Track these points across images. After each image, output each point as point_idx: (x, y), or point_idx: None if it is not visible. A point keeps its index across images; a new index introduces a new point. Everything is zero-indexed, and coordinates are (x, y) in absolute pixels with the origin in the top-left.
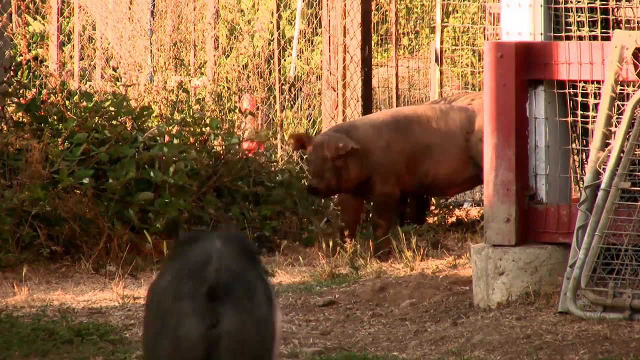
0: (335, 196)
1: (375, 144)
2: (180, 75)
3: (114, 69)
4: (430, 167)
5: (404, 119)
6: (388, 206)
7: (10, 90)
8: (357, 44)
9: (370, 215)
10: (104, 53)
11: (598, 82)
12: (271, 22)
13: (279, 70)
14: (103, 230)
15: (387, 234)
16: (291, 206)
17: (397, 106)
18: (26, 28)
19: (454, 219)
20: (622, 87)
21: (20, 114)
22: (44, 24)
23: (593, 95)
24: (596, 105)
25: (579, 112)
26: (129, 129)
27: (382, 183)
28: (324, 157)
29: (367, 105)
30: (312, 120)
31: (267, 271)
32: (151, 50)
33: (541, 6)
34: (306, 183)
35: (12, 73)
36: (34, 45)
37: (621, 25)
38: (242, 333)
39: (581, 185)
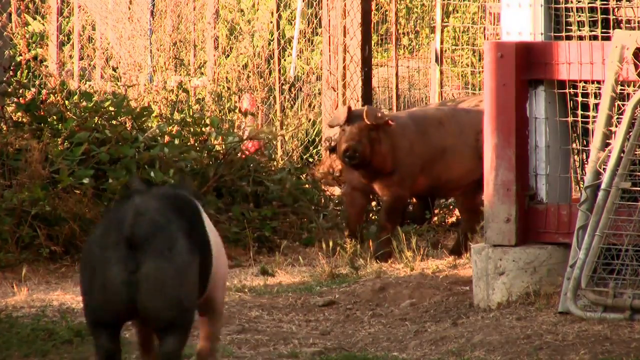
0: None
1: (401, 142)
2: (180, 75)
3: (114, 69)
4: (442, 169)
5: (422, 121)
6: (398, 209)
7: (10, 90)
8: (357, 44)
9: (378, 215)
10: (103, 53)
11: (598, 82)
12: (271, 22)
13: (279, 70)
14: None
15: (392, 236)
16: (291, 205)
17: (397, 106)
18: (26, 28)
19: (454, 219)
20: (623, 87)
21: (20, 113)
22: (43, 24)
23: (593, 95)
24: (596, 105)
25: (579, 112)
26: (129, 129)
27: (399, 184)
28: (362, 125)
29: (367, 104)
30: (312, 120)
31: (201, 225)
32: (151, 50)
33: (541, 6)
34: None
35: (11, 73)
36: (34, 45)
37: (621, 25)
38: (160, 278)
39: (581, 185)
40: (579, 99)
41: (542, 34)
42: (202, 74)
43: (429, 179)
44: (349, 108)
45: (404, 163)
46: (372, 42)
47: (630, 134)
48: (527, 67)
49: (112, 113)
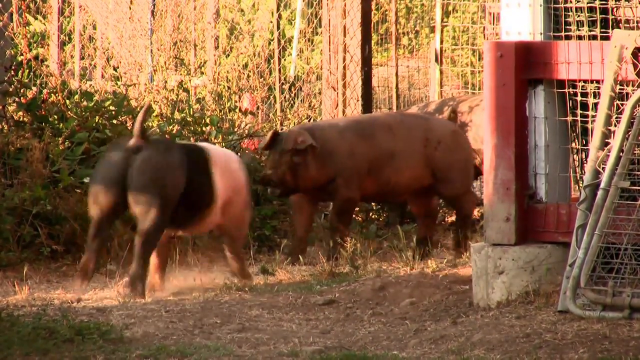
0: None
1: (339, 147)
2: (181, 74)
3: (115, 69)
4: (392, 173)
5: (368, 125)
6: (349, 211)
7: (11, 89)
8: (357, 44)
9: (329, 218)
10: (104, 52)
11: (597, 81)
12: (271, 22)
13: (279, 69)
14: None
15: (344, 238)
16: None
17: (397, 106)
18: (27, 28)
19: (453, 218)
20: (622, 87)
21: (21, 113)
22: (44, 24)
23: (592, 95)
24: (596, 105)
25: (579, 111)
26: (129, 128)
27: (346, 187)
28: (283, 150)
29: (367, 104)
30: (312, 120)
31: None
32: (151, 50)
33: (541, 6)
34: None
35: (12, 72)
36: (35, 44)
37: (620, 24)
38: (153, 161)
39: (581, 185)
40: (578, 98)
41: (541, 33)
42: (202, 73)
43: (377, 182)
44: (275, 133)
45: (345, 166)
46: (372, 42)
47: (629, 133)
48: (527, 66)
49: (113, 112)
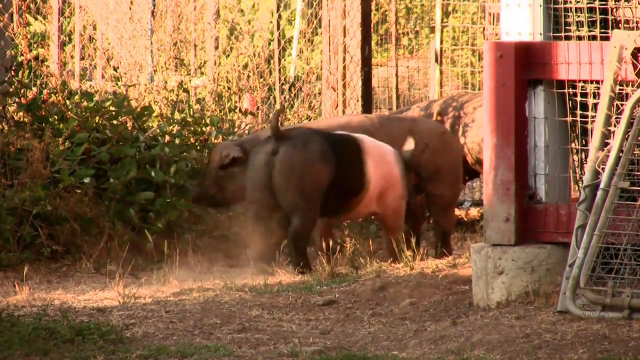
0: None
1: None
2: (181, 75)
3: (115, 69)
4: None
5: (345, 129)
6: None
7: (11, 90)
8: (357, 44)
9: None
10: (104, 53)
11: (597, 81)
12: (271, 22)
13: (279, 70)
14: (104, 229)
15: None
16: None
17: (397, 106)
18: (27, 28)
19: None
20: (621, 87)
21: (21, 113)
22: (44, 24)
23: (592, 95)
24: (595, 105)
25: (578, 111)
26: (129, 128)
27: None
28: (211, 166)
29: (367, 105)
30: (312, 119)
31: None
32: (152, 50)
33: (540, 6)
34: None
35: (13, 73)
36: (35, 45)
37: (620, 25)
38: (290, 161)
39: (580, 185)
40: (578, 98)
41: (541, 34)
42: (202, 73)
43: None
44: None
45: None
46: (372, 42)
47: (629, 133)
48: (527, 67)
49: (113, 113)
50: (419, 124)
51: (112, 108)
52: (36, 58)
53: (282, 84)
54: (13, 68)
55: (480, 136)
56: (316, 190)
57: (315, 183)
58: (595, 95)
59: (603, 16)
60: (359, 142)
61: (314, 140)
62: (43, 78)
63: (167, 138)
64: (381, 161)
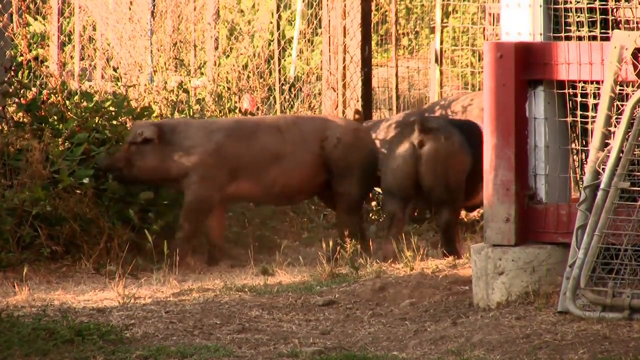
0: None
1: (200, 145)
2: (181, 75)
3: (115, 69)
4: (278, 176)
5: (250, 127)
6: (199, 210)
7: (10, 90)
8: (357, 44)
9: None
10: (104, 53)
11: (597, 82)
12: (271, 22)
13: (279, 70)
14: (103, 230)
15: (189, 239)
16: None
17: (397, 106)
18: (27, 28)
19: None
20: (622, 87)
21: (20, 114)
22: (44, 24)
23: (592, 96)
24: (596, 106)
25: (579, 112)
26: (129, 129)
27: (200, 184)
28: (125, 142)
29: (367, 105)
30: None
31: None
32: (151, 51)
33: (541, 6)
34: None
35: (12, 73)
36: (35, 45)
37: (620, 25)
38: (437, 155)
39: (580, 185)
40: (578, 99)
41: (541, 34)
42: (202, 74)
43: (259, 185)
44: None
45: (204, 164)
46: (372, 43)
47: (629, 133)
48: (527, 67)
49: (113, 113)
50: (332, 121)
51: (111, 108)
52: (36, 58)
53: (282, 84)
54: (13, 68)
55: None
56: (462, 180)
57: (461, 172)
58: (596, 95)
59: (603, 16)
60: (479, 127)
61: (453, 132)
62: (43, 78)
63: None
64: None
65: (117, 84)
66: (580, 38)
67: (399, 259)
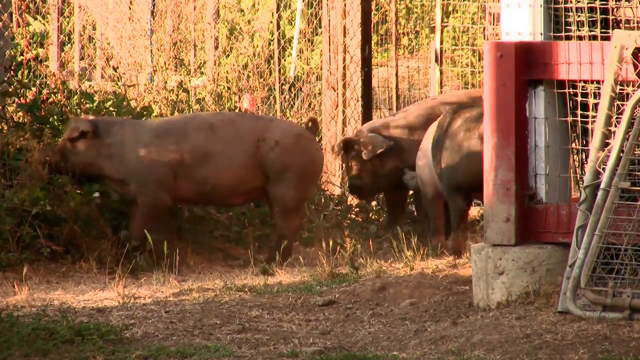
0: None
1: (132, 152)
2: (181, 75)
3: (114, 69)
4: (209, 174)
5: (180, 125)
6: (156, 216)
7: (10, 90)
8: (357, 44)
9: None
10: (104, 53)
11: (598, 82)
12: (271, 22)
13: (279, 70)
14: (103, 229)
15: (136, 240)
16: None
17: (397, 106)
18: (27, 28)
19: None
20: (622, 87)
21: (20, 113)
22: (44, 24)
23: (593, 95)
24: (596, 105)
25: (579, 112)
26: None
27: (143, 192)
28: (63, 135)
29: (367, 105)
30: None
31: None
32: (151, 50)
33: (541, 6)
34: None
35: (12, 73)
36: (35, 45)
37: (621, 25)
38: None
39: (581, 185)
40: (579, 98)
41: (541, 34)
42: (202, 73)
43: (192, 184)
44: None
45: (136, 169)
46: (372, 42)
47: (630, 133)
48: (527, 67)
49: (113, 113)
50: (275, 124)
51: (111, 108)
52: (36, 58)
53: (282, 84)
54: (12, 68)
55: None
56: None
57: None
58: (596, 95)
59: (604, 16)
60: None
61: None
62: (43, 78)
63: None
64: None
65: (117, 84)
66: (580, 38)
67: (463, 254)
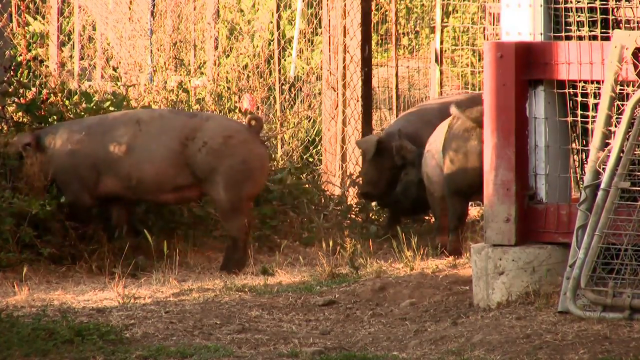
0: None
1: (58, 150)
2: (180, 75)
3: (114, 69)
4: (131, 168)
5: (108, 122)
6: (78, 214)
7: (10, 90)
8: (357, 44)
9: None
10: (104, 53)
11: (598, 82)
12: (271, 22)
13: (279, 70)
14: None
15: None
16: (291, 204)
17: (397, 106)
18: (26, 28)
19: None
20: (622, 87)
21: (20, 114)
22: (44, 24)
23: (593, 95)
24: (596, 105)
25: (579, 112)
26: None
27: (65, 190)
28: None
29: (367, 105)
30: (312, 120)
31: None
32: (151, 50)
33: (541, 6)
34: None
35: (12, 73)
36: (34, 45)
37: (621, 25)
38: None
39: (581, 185)
40: (579, 98)
41: (541, 34)
42: (202, 74)
43: (118, 179)
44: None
45: (63, 169)
46: (372, 42)
47: (630, 133)
48: (527, 67)
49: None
50: (209, 123)
51: (111, 108)
52: (35, 58)
53: (282, 84)
54: (12, 68)
55: None
56: None
57: None
58: (596, 95)
59: (604, 16)
60: None
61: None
62: (42, 78)
63: None
64: None
65: (116, 84)
66: (580, 38)
67: (463, 254)
